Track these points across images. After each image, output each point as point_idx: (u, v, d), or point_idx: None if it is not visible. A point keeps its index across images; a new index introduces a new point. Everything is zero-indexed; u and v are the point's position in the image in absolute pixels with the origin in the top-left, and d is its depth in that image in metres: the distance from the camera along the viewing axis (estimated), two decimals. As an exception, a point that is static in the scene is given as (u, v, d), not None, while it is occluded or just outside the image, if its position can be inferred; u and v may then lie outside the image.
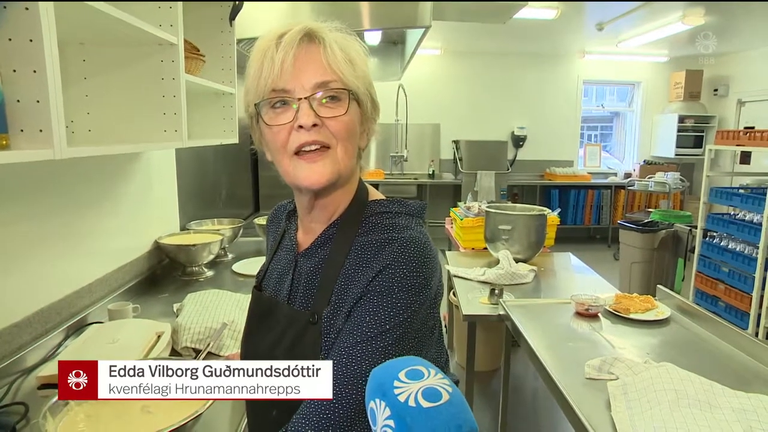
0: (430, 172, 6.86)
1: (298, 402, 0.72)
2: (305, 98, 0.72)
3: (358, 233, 0.78)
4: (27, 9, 0.83)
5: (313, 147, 0.73)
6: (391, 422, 0.52)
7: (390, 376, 0.55)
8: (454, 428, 0.51)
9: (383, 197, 0.85)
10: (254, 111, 0.77)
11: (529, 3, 2.71)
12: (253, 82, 0.75)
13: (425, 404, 0.51)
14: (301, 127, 0.72)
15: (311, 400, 0.69)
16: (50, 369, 1.21)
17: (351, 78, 0.74)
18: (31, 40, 0.84)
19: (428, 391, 0.52)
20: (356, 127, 0.77)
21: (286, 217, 0.93)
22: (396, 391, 0.53)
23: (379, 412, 0.54)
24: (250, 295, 1.64)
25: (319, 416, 0.68)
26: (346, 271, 0.76)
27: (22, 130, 0.87)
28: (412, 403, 0.52)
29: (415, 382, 0.54)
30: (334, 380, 0.68)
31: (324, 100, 0.73)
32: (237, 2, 1.85)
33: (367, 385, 0.58)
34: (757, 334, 3.24)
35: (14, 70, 0.85)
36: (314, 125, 0.72)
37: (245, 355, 0.90)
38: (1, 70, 0.82)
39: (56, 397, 0.97)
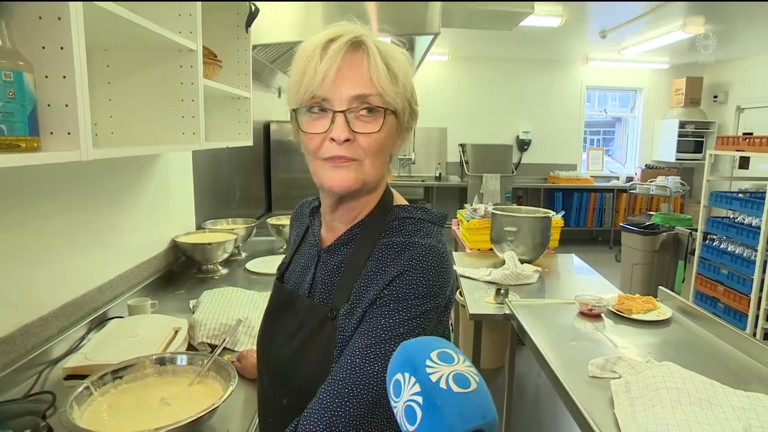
0: (437, 175, 6.93)
1: (307, 391, 0.74)
2: (341, 111, 0.73)
3: (381, 236, 0.79)
4: (59, 19, 0.86)
5: (342, 159, 0.75)
6: (419, 398, 0.52)
7: (422, 354, 0.55)
8: (479, 416, 0.50)
9: (407, 203, 0.86)
10: (293, 111, 0.78)
11: (535, 11, 2.74)
12: (295, 86, 0.76)
13: (455, 389, 0.51)
14: (333, 139, 0.73)
15: (322, 397, 0.70)
16: (75, 361, 1.24)
17: (391, 93, 0.74)
18: (62, 48, 0.87)
19: (458, 376, 0.52)
20: (389, 141, 0.78)
21: (310, 212, 0.94)
22: (428, 370, 0.53)
23: (406, 386, 0.53)
24: (264, 293, 1.69)
25: (330, 414, 0.69)
26: (367, 272, 0.77)
27: (51, 133, 0.89)
28: (443, 384, 0.51)
29: (447, 365, 0.53)
30: (346, 379, 0.70)
31: (361, 113, 0.74)
32: (253, 9, 1.89)
33: (394, 356, 0.57)
34: (755, 335, 3.26)
35: (46, 76, 0.87)
36: (346, 140, 0.73)
37: (262, 343, 0.91)
38: (35, 76, 0.85)
39: (81, 388, 1.01)
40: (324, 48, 0.73)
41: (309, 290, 0.85)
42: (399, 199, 0.88)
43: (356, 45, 0.73)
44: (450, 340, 0.85)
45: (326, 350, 0.76)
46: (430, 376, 0.52)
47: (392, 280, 0.73)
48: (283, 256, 1.00)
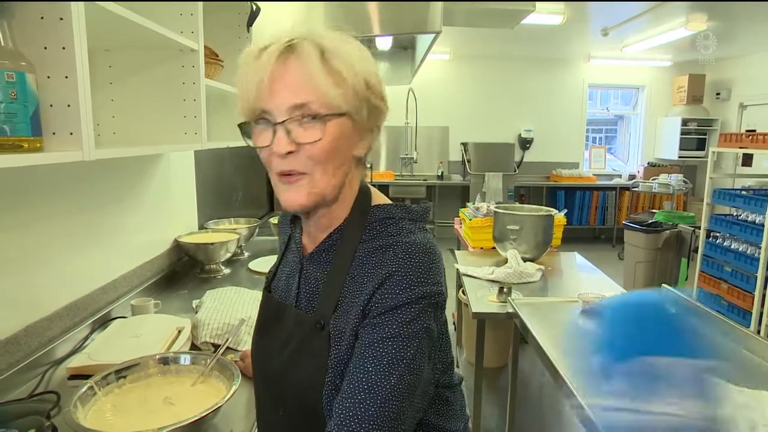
0: (439, 174, 6.92)
1: (301, 401, 0.73)
2: (281, 123, 0.69)
3: (361, 240, 0.77)
4: (61, 19, 0.86)
5: (290, 174, 0.72)
6: None
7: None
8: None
9: (387, 201, 0.83)
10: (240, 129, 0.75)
11: (536, 9, 2.74)
12: (238, 100, 0.73)
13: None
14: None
15: (345, 422, 0.67)
16: (79, 361, 1.24)
17: (333, 95, 0.69)
18: (63, 48, 0.87)
19: None
20: (340, 145, 0.72)
21: (291, 220, 0.92)
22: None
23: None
24: (267, 293, 1.68)
25: (354, 417, 0.67)
26: (353, 278, 0.74)
27: (54, 133, 0.90)
28: None
29: None
30: (367, 401, 0.67)
31: (304, 121, 0.69)
32: (254, 9, 1.90)
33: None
34: (759, 332, 3.25)
35: (48, 77, 0.88)
36: (290, 152, 0.70)
37: (256, 354, 0.89)
38: (37, 77, 0.86)
39: (85, 387, 1.02)
40: (256, 58, 0.70)
41: (296, 299, 0.83)
42: (378, 198, 0.84)
43: (289, 50, 0.69)
44: (449, 336, 0.84)
45: (318, 360, 0.74)
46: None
47: (381, 283, 0.71)
48: None
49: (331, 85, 0.69)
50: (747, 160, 4.38)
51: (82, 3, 0.89)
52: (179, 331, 1.40)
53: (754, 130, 3.94)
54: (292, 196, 0.73)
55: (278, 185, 0.74)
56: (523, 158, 7.25)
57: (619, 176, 7.45)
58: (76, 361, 1.25)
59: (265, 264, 2.22)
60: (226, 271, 2.18)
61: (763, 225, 3.29)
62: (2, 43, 0.82)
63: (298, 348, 0.77)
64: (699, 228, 3.95)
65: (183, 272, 2.13)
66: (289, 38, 0.70)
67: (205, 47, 1.54)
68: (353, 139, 0.75)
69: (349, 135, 0.74)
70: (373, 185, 0.87)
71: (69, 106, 0.89)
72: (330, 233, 0.80)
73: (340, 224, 0.80)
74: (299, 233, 0.87)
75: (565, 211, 2.94)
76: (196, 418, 0.93)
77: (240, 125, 0.75)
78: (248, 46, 1.96)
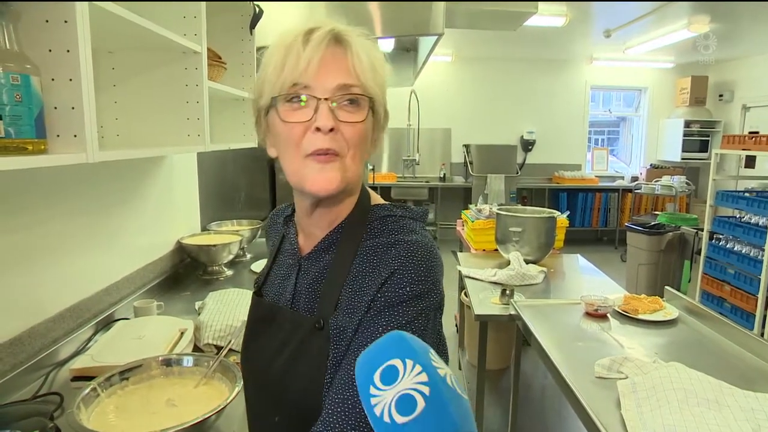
0: (442, 176, 6.93)
1: (300, 406, 0.72)
2: (325, 99, 0.69)
3: (363, 237, 0.76)
4: (66, 22, 0.87)
5: (326, 153, 0.71)
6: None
7: (367, 379, 0.52)
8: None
9: (385, 202, 0.83)
10: (267, 104, 0.73)
11: (539, 11, 2.74)
12: (273, 75, 0.72)
13: (399, 419, 0.48)
14: (318, 129, 0.69)
15: (332, 419, 0.66)
16: (82, 362, 1.25)
17: (372, 85, 0.72)
18: (68, 51, 0.87)
19: (402, 399, 0.49)
20: (368, 135, 0.75)
21: (284, 221, 0.91)
22: (373, 401, 0.50)
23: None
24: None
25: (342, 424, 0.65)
26: (354, 276, 0.73)
27: (58, 136, 0.90)
28: (387, 419, 0.49)
29: (390, 387, 0.50)
30: (355, 397, 0.64)
31: (344, 103, 0.71)
32: (257, 11, 1.90)
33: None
34: (762, 335, 3.25)
35: (53, 79, 0.88)
36: (331, 130, 0.69)
37: (248, 361, 0.86)
38: (41, 79, 0.86)
39: (88, 389, 1.02)
40: (306, 36, 0.70)
41: (291, 301, 0.80)
42: (376, 198, 0.84)
43: (337, 37, 0.72)
44: (445, 339, 0.81)
45: (317, 361, 0.72)
46: (375, 409, 0.50)
47: (384, 282, 0.70)
48: None
49: (370, 75, 0.73)
50: (750, 161, 4.37)
51: (86, 5, 0.89)
52: (182, 333, 1.40)
53: (757, 132, 3.94)
54: (327, 176, 0.72)
55: (310, 166, 0.72)
56: (525, 160, 7.25)
57: (622, 178, 7.45)
58: (79, 363, 1.25)
59: (267, 266, 2.22)
60: (229, 272, 2.18)
61: (766, 227, 3.29)
62: (7, 46, 0.82)
63: (297, 350, 0.76)
64: (702, 230, 3.95)
65: (186, 274, 2.14)
66: (332, 26, 0.72)
67: (208, 49, 1.54)
68: (371, 135, 0.77)
69: (371, 129, 0.76)
70: (376, 187, 0.87)
71: (73, 108, 0.90)
72: (330, 231, 0.79)
73: (341, 222, 0.79)
74: (294, 234, 0.86)
75: (568, 213, 2.93)
76: (199, 420, 0.94)
77: (273, 98, 0.73)
78: (250, 48, 1.94)
